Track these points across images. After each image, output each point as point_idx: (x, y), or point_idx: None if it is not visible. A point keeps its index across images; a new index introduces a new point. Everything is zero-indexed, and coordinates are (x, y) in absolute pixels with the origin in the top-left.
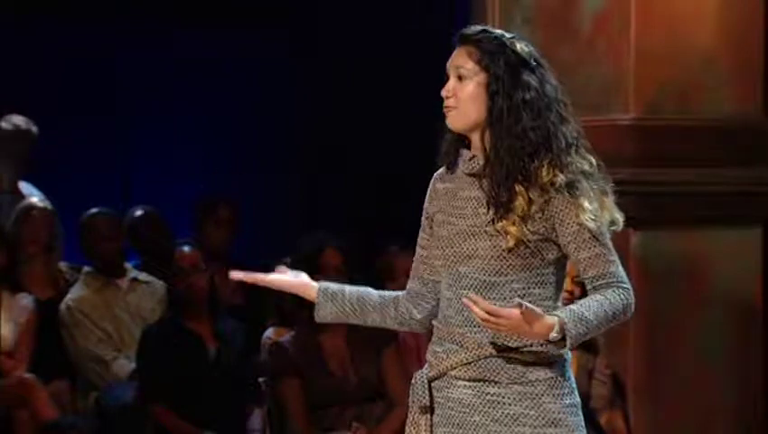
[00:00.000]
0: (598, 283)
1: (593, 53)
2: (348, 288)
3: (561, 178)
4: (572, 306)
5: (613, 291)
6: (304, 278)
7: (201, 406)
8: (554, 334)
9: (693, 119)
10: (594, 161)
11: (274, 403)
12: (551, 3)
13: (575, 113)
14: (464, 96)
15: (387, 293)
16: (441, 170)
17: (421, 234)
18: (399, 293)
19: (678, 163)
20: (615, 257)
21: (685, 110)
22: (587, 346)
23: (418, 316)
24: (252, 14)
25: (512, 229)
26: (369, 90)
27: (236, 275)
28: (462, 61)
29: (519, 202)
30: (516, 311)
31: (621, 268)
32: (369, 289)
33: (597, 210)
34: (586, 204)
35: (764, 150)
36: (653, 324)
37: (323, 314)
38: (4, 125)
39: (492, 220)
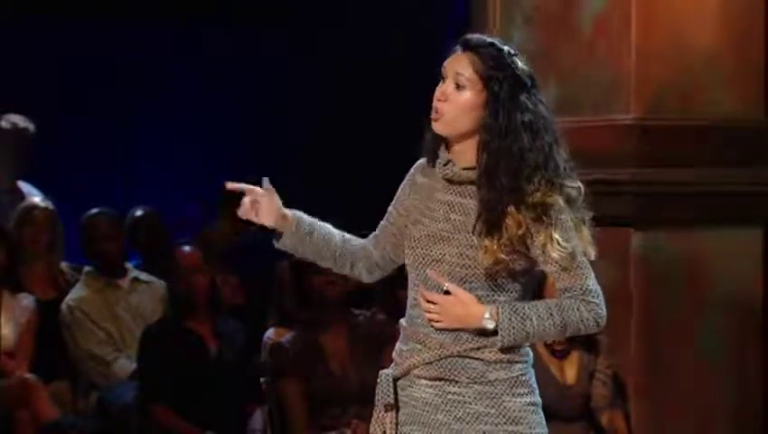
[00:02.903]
0: (565, 296)
1: (593, 53)
2: (317, 231)
3: (552, 200)
4: (516, 303)
5: (573, 301)
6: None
7: (201, 406)
8: (486, 319)
9: (694, 120)
10: (581, 186)
11: (275, 403)
12: (552, 3)
13: (574, 115)
14: (459, 105)
15: (346, 246)
16: (423, 161)
17: (392, 209)
18: (357, 248)
19: (678, 163)
20: (584, 270)
21: (686, 111)
22: (589, 346)
23: (366, 280)
24: (252, 14)
25: (497, 250)
26: (369, 90)
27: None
28: (463, 69)
29: (510, 223)
30: (444, 296)
31: (591, 281)
32: (333, 235)
33: (569, 239)
34: (556, 235)
35: (765, 150)
36: (654, 324)
37: (285, 243)
38: (3, 124)
39: (479, 234)
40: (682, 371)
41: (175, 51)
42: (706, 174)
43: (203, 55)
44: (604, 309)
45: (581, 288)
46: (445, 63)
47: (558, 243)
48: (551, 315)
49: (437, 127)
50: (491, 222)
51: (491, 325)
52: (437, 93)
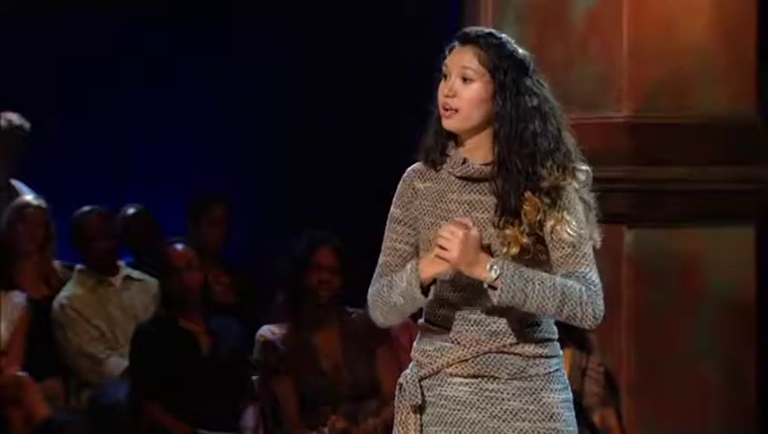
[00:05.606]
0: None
1: (586, 51)
2: None
3: (566, 183)
4: (522, 267)
5: (576, 283)
6: None
7: (194, 404)
8: (492, 269)
9: (686, 117)
10: (589, 170)
11: (267, 401)
12: (544, 0)
13: (566, 113)
14: (469, 98)
15: None
16: (417, 166)
17: (402, 230)
18: None
19: (670, 160)
20: (590, 261)
21: (678, 108)
22: (581, 344)
23: None
24: (251, 14)
25: (519, 237)
26: (369, 90)
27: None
28: (468, 62)
29: (528, 209)
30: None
31: (595, 274)
32: None
33: (580, 222)
34: (567, 217)
35: (757, 148)
36: (646, 321)
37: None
38: None
39: (500, 225)
40: (674, 368)
41: (175, 52)
42: (697, 171)
43: (203, 55)
44: (603, 306)
45: (584, 276)
46: (447, 61)
47: (569, 224)
48: (554, 286)
49: (451, 124)
50: (510, 211)
51: (494, 275)
52: (444, 91)
